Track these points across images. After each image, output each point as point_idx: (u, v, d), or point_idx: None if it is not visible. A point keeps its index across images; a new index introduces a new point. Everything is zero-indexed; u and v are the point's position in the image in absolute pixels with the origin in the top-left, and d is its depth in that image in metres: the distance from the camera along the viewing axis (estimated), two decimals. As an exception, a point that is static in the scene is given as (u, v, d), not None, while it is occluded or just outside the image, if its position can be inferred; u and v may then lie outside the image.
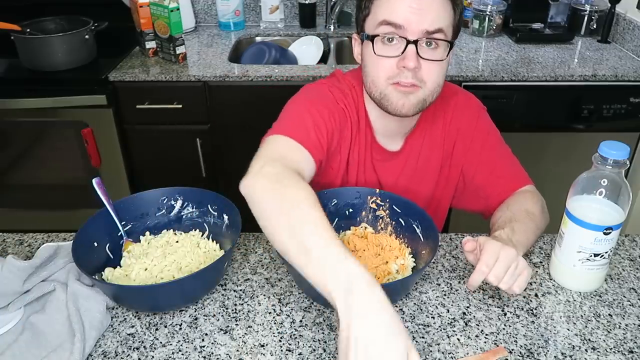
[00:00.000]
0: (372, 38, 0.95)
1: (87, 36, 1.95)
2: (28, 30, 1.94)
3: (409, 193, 1.09)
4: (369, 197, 1.04)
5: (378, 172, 1.12)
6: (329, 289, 0.67)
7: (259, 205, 0.83)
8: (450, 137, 1.12)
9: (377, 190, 1.03)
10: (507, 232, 0.92)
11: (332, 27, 2.34)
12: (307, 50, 2.19)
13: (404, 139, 1.11)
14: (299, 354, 0.82)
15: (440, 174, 1.14)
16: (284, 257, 0.76)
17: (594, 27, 2.21)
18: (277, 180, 0.84)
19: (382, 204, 1.03)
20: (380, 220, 1.04)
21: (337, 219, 1.05)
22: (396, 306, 0.90)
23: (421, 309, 0.90)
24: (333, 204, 1.04)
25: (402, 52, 0.93)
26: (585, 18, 2.22)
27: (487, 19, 2.22)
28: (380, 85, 0.97)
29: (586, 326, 0.87)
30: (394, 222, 1.03)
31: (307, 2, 2.31)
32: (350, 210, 1.05)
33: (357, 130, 1.08)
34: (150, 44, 2.01)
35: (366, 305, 0.64)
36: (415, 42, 0.92)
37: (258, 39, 2.31)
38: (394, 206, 1.02)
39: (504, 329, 0.87)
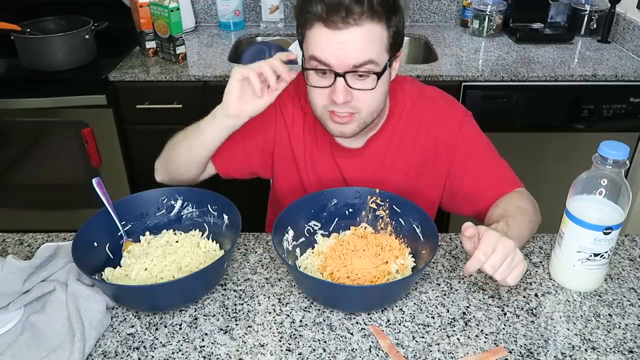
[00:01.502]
0: (304, 70, 0.98)
1: (87, 36, 1.95)
2: (28, 30, 1.94)
3: (377, 185, 1.10)
4: (369, 197, 1.04)
5: (341, 167, 1.14)
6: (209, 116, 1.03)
7: (164, 163, 1.16)
8: (428, 142, 1.11)
9: (377, 190, 1.03)
10: (502, 225, 0.93)
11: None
12: (307, 50, 2.19)
13: (366, 139, 1.11)
14: (298, 354, 0.82)
15: (416, 173, 1.13)
16: (189, 158, 1.10)
17: (594, 27, 2.21)
18: (163, 151, 1.17)
19: (382, 203, 1.03)
20: (380, 220, 1.04)
21: (337, 219, 1.05)
22: (396, 306, 0.90)
23: (421, 309, 0.90)
24: (333, 203, 1.04)
25: (332, 84, 0.95)
26: (585, 18, 2.22)
27: (487, 19, 2.22)
28: (318, 111, 1.02)
29: (586, 326, 0.87)
30: (393, 222, 1.03)
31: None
32: (350, 210, 1.05)
33: (300, 125, 1.13)
34: (150, 44, 2.01)
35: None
36: (344, 75, 0.93)
37: (258, 39, 2.31)
38: (394, 206, 1.02)
39: (503, 328, 0.87)
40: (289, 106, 1.13)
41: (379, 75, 0.95)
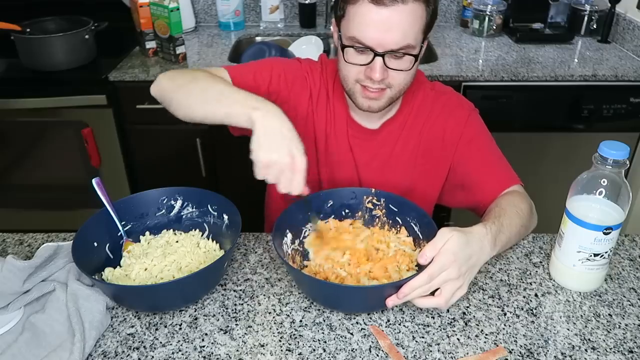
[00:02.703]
0: (343, 47, 0.99)
1: (87, 36, 1.95)
2: (28, 30, 1.94)
3: (383, 176, 1.11)
4: (364, 197, 1.04)
5: (354, 149, 1.14)
6: (250, 105, 0.90)
7: (172, 87, 1.02)
8: (434, 132, 1.13)
9: (373, 190, 1.03)
10: (496, 227, 0.92)
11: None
12: (307, 50, 2.19)
13: (382, 121, 1.13)
14: (298, 354, 0.82)
15: (419, 164, 1.14)
16: (202, 117, 0.97)
17: (594, 27, 2.21)
18: (181, 70, 1.05)
19: (378, 203, 1.03)
20: (377, 219, 1.04)
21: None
22: (396, 306, 0.90)
23: (421, 309, 0.90)
24: (329, 205, 1.04)
25: (370, 62, 0.96)
26: (585, 18, 2.22)
27: (487, 19, 2.22)
28: (349, 84, 1.03)
29: (586, 326, 0.87)
30: (390, 221, 1.03)
31: (307, 2, 2.31)
32: (347, 210, 1.05)
33: (323, 102, 1.13)
34: (150, 44, 2.01)
35: (280, 113, 0.90)
36: (383, 55, 0.95)
37: (258, 39, 2.31)
38: (390, 205, 1.02)
39: (503, 328, 0.87)
40: (317, 83, 1.14)
41: (416, 57, 0.98)
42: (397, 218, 1.02)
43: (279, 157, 0.86)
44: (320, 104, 1.13)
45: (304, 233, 1.02)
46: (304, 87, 1.13)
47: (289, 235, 0.99)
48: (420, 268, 0.84)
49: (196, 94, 0.98)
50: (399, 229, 1.02)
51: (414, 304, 0.84)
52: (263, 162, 0.86)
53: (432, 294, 0.84)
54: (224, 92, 0.96)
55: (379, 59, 0.96)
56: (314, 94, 1.13)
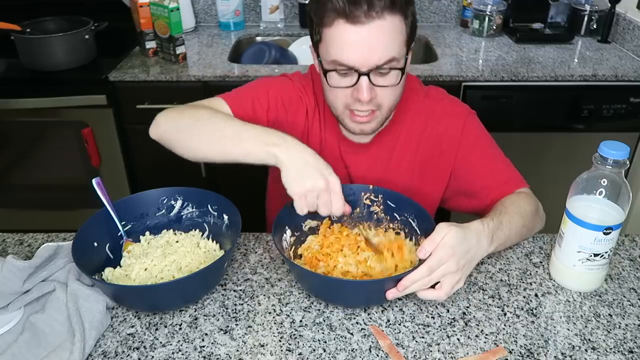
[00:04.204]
0: (325, 72, 0.97)
1: (87, 36, 1.95)
2: (28, 30, 1.94)
3: (382, 185, 1.10)
4: (362, 194, 1.04)
5: (347, 164, 1.14)
6: (268, 142, 0.90)
7: (173, 131, 1.01)
8: (431, 142, 1.12)
9: (371, 187, 1.03)
10: (494, 223, 0.93)
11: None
12: (307, 50, 2.16)
13: (373, 135, 1.12)
14: (299, 354, 0.82)
15: (419, 172, 1.14)
16: (214, 158, 0.96)
17: (594, 27, 2.21)
18: (180, 109, 1.03)
19: (376, 199, 1.03)
20: (375, 216, 1.04)
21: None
22: (396, 306, 0.90)
23: (421, 309, 0.90)
24: None
25: (356, 83, 0.94)
26: (585, 18, 2.22)
27: (487, 19, 2.22)
28: (338, 110, 1.02)
29: (586, 326, 0.87)
30: (388, 217, 1.03)
31: (307, 2, 2.30)
32: None
33: (317, 119, 1.12)
34: (150, 44, 2.01)
35: (298, 143, 0.91)
36: (368, 74, 0.93)
37: (258, 39, 2.31)
38: (388, 201, 1.02)
39: (504, 329, 0.87)
40: (312, 100, 1.13)
41: (402, 70, 0.96)
42: (395, 214, 1.02)
43: (313, 184, 0.88)
44: (315, 120, 1.13)
45: (303, 229, 1.02)
46: (299, 107, 1.12)
47: (288, 232, 0.99)
48: (420, 263, 0.85)
49: (205, 136, 0.97)
50: (397, 225, 1.02)
51: (417, 294, 0.85)
52: (299, 194, 0.88)
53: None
54: (235, 131, 0.95)
55: (364, 79, 0.93)
56: (310, 111, 1.12)
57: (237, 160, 0.94)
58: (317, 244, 1.00)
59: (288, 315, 0.89)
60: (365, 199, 1.04)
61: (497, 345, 0.83)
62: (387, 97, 0.98)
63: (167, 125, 1.02)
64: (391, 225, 1.03)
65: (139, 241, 1.01)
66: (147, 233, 1.03)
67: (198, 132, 0.98)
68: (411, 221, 0.99)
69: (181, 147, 1.00)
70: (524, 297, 0.93)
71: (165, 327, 0.87)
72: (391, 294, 0.84)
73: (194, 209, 1.05)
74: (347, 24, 0.90)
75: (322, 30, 0.94)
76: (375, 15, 0.89)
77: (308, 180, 0.87)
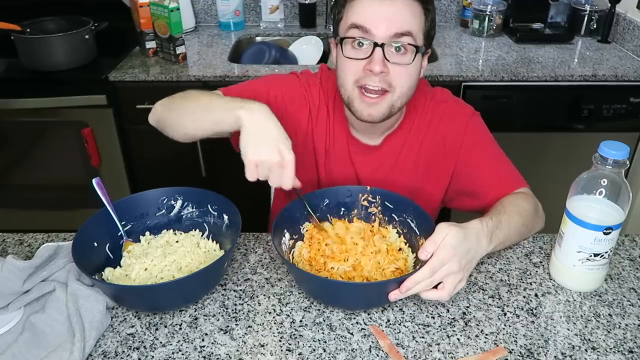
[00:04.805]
0: (341, 40, 0.98)
1: (87, 36, 1.95)
2: (28, 30, 1.94)
3: (387, 185, 1.10)
4: (360, 195, 1.04)
5: (355, 164, 1.14)
6: (235, 106, 0.91)
7: (165, 114, 1.05)
8: (435, 142, 1.12)
9: (368, 188, 1.03)
10: (493, 223, 0.93)
11: (332, 27, 2.34)
12: (307, 50, 2.19)
13: (383, 137, 1.12)
14: (299, 354, 0.82)
15: (423, 172, 1.14)
16: (195, 132, 1.00)
17: (594, 27, 2.21)
18: (175, 95, 1.06)
19: (374, 200, 1.03)
20: (373, 217, 1.04)
21: (330, 219, 1.05)
22: (396, 306, 0.90)
23: (421, 309, 0.90)
24: (325, 204, 1.04)
25: (370, 55, 0.95)
26: (585, 18, 2.22)
27: (487, 19, 2.22)
28: (348, 88, 1.01)
29: (586, 326, 0.87)
30: (386, 218, 1.03)
31: (307, 2, 2.31)
32: (343, 209, 1.05)
33: (323, 118, 1.12)
34: (150, 44, 2.01)
35: (265, 110, 0.91)
36: (383, 46, 0.94)
37: (258, 39, 2.31)
38: (385, 202, 1.02)
39: (504, 329, 0.87)
40: (316, 98, 1.13)
41: (417, 49, 0.97)
42: (393, 215, 1.02)
43: (268, 157, 0.88)
44: (320, 119, 1.13)
45: (302, 231, 1.02)
46: (302, 104, 1.12)
47: (287, 235, 0.99)
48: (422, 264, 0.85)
49: (188, 111, 1.01)
50: (395, 226, 1.02)
51: (420, 295, 0.85)
52: (253, 162, 0.88)
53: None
54: (212, 102, 0.98)
55: (378, 50, 0.94)
56: (313, 109, 1.13)
57: (214, 132, 0.97)
58: (305, 249, 1.00)
59: (288, 315, 0.89)
60: (363, 201, 1.04)
61: (497, 345, 0.83)
62: (399, 77, 0.98)
63: (162, 108, 1.07)
64: (389, 227, 1.03)
65: (139, 241, 1.01)
66: (147, 233, 1.03)
67: (184, 110, 1.02)
68: (410, 222, 0.99)
69: (171, 127, 1.04)
70: (524, 297, 0.93)
71: (165, 327, 0.87)
72: (394, 295, 0.83)
73: (194, 209, 1.05)
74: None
75: (346, 5, 0.97)
76: None
77: (264, 150, 0.88)
